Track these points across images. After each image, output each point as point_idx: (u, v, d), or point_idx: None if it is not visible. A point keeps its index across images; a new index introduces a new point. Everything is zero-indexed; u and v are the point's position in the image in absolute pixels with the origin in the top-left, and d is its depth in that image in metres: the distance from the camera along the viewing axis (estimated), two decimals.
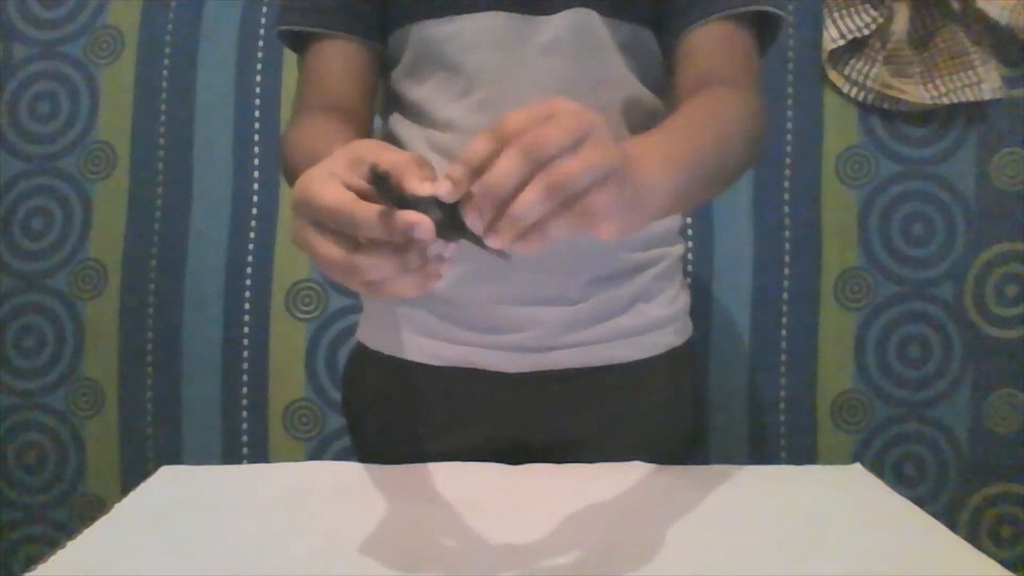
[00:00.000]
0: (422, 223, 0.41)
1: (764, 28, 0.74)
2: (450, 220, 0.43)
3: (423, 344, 0.79)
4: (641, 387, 0.79)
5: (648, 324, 0.79)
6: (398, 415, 0.81)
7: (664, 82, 0.78)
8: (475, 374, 0.78)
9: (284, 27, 0.77)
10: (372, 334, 0.84)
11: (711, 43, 0.71)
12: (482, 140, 0.42)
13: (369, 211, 0.42)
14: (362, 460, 0.79)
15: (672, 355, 0.81)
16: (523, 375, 0.77)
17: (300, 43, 0.77)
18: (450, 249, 0.44)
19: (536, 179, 0.41)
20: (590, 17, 0.71)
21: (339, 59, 0.75)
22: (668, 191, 0.52)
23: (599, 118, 0.43)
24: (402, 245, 0.43)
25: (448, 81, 0.73)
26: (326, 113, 0.72)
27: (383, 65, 0.80)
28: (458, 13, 0.72)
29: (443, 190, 0.42)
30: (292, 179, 0.68)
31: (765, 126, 0.71)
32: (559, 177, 0.41)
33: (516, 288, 0.75)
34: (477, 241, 0.44)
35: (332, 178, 0.44)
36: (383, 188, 0.42)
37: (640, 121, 0.75)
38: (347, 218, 0.42)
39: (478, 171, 0.42)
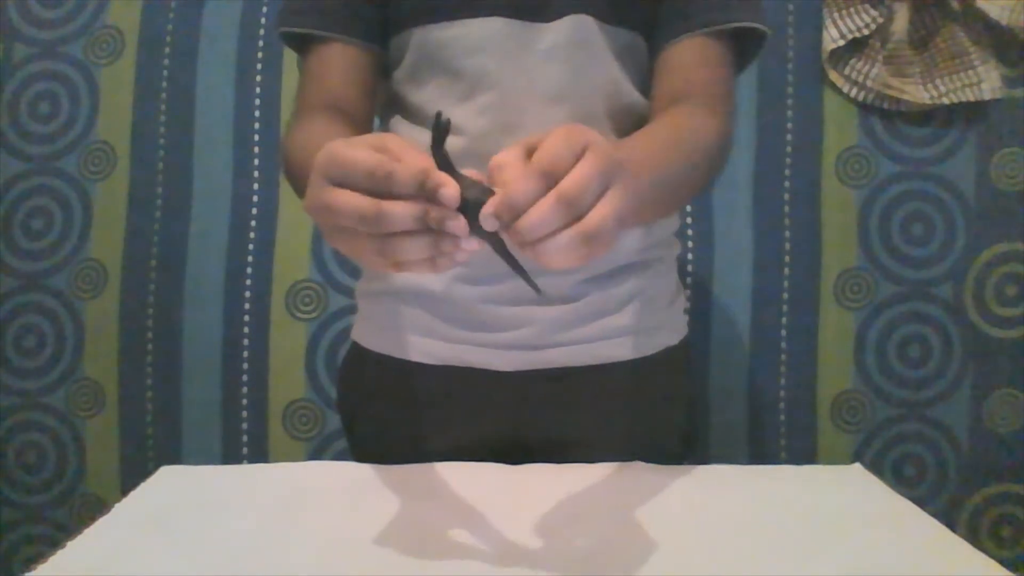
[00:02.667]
0: (448, 186, 0.43)
1: (746, 42, 0.75)
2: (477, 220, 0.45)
3: (418, 343, 0.79)
4: (636, 386, 0.79)
5: (644, 323, 0.79)
6: (394, 414, 0.81)
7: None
8: (470, 372, 0.78)
9: (285, 29, 0.77)
10: (367, 333, 0.84)
11: (688, 58, 0.73)
12: (521, 178, 0.44)
13: (404, 167, 0.43)
14: (358, 460, 0.79)
15: (667, 354, 0.81)
16: (518, 373, 0.78)
17: (302, 44, 0.78)
18: (473, 243, 0.45)
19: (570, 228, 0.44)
20: (588, 24, 0.72)
21: (340, 61, 0.75)
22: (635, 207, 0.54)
23: (615, 156, 0.46)
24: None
25: (449, 85, 0.74)
26: (327, 114, 0.72)
27: (383, 67, 0.80)
28: (459, 18, 0.72)
29: (488, 222, 0.44)
30: (295, 180, 0.68)
31: (728, 148, 0.73)
32: (588, 228, 0.44)
33: (511, 287, 0.75)
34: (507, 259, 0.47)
35: (361, 143, 0.45)
36: (439, 139, 0.45)
37: (634, 126, 0.75)
38: (382, 172, 0.43)
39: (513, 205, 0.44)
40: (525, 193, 0.43)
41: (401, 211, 0.43)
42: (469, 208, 0.44)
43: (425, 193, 0.43)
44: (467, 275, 0.76)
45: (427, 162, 0.45)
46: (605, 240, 0.45)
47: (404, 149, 0.46)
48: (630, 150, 0.59)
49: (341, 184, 0.45)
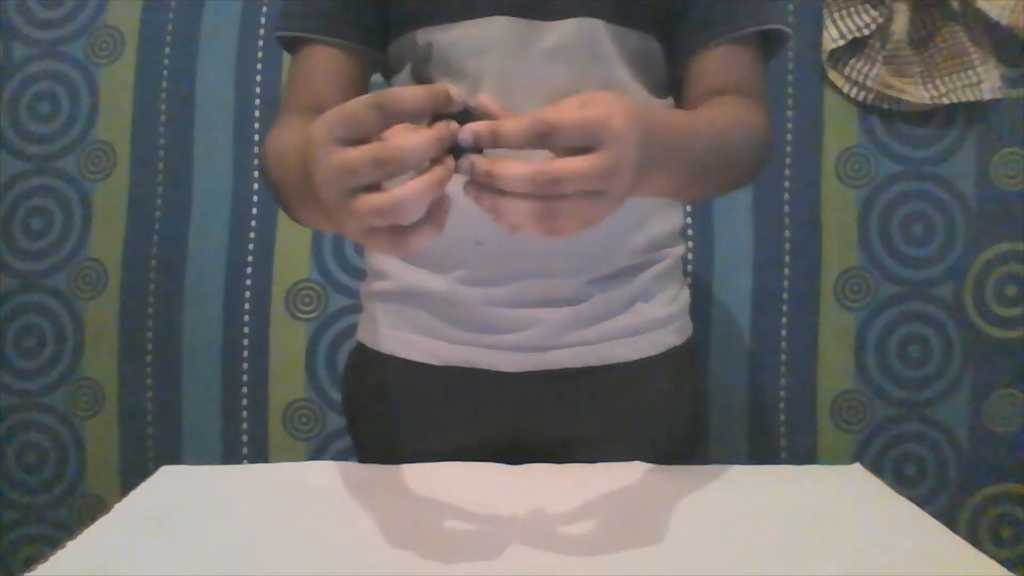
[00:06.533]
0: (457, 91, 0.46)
1: (768, 40, 0.76)
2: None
3: (422, 343, 0.79)
4: (641, 387, 0.79)
5: (648, 324, 0.79)
6: (397, 414, 0.81)
7: (670, 87, 0.78)
8: (474, 373, 0.78)
9: (280, 33, 0.77)
10: (371, 333, 0.84)
11: (717, 64, 0.73)
12: (523, 122, 0.45)
13: (405, 88, 0.45)
14: (362, 460, 0.79)
15: (672, 355, 0.81)
16: (522, 374, 0.77)
17: (293, 47, 0.78)
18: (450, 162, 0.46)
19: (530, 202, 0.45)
20: (595, 25, 0.71)
21: (328, 64, 0.75)
22: (664, 182, 0.55)
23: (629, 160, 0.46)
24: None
25: (452, 86, 0.73)
26: (309, 117, 0.72)
27: (377, 70, 0.80)
28: (462, 19, 0.72)
29: (466, 136, 0.46)
30: (272, 188, 0.68)
31: (771, 138, 0.73)
32: (553, 225, 0.46)
33: (515, 289, 0.75)
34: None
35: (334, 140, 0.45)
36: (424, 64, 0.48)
37: None
38: (386, 96, 0.44)
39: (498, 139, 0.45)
40: (514, 136, 0.44)
41: (414, 137, 0.43)
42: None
43: (437, 100, 0.45)
44: (469, 277, 0.76)
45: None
46: (566, 230, 0.46)
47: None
48: (675, 117, 0.59)
49: (349, 139, 0.45)
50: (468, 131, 0.45)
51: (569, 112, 0.45)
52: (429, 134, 0.44)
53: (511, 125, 0.44)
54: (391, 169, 0.44)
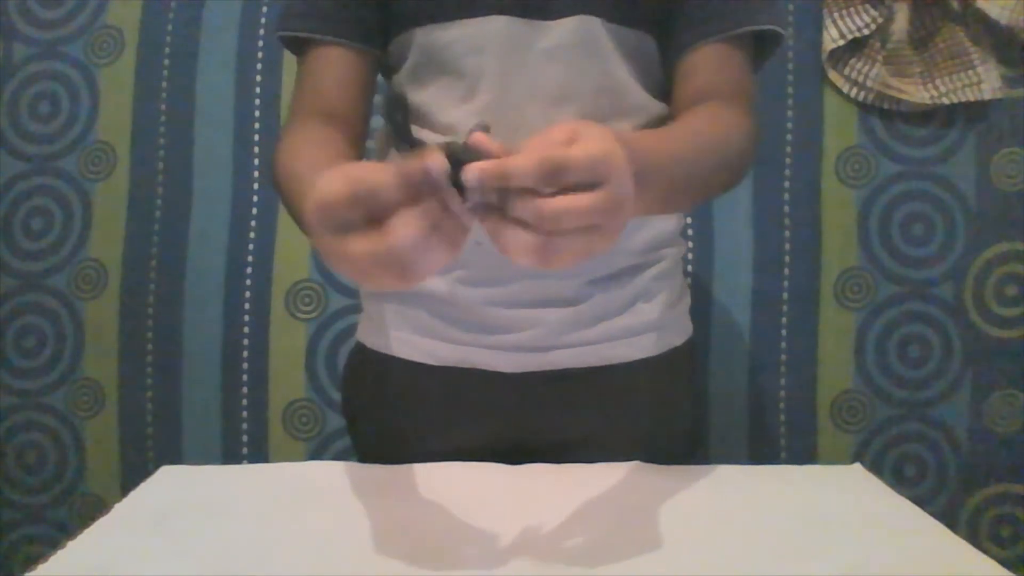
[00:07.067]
0: (429, 156, 0.43)
1: (762, 42, 0.75)
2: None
3: (422, 344, 0.79)
4: (641, 387, 0.79)
5: (648, 324, 0.79)
6: (397, 415, 0.81)
7: (668, 89, 0.78)
8: (474, 374, 0.78)
9: (283, 32, 0.77)
10: (372, 334, 0.84)
11: (708, 63, 0.73)
12: (530, 165, 0.43)
13: (382, 174, 0.44)
14: (362, 460, 0.79)
15: (672, 355, 0.81)
16: (522, 375, 0.77)
17: (299, 48, 0.78)
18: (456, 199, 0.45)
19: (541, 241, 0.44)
20: (593, 24, 0.71)
21: (336, 65, 0.75)
22: (643, 206, 0.54)
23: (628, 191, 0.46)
24: (422, 197, 0.44)
25: (451, 85, 0.73)
26: (319, 121, 0.72)
27: (382, 70, 0.80)
28: (462, 17, 0.72)
29: (472, 177, 0.44)
30: (282, 194, 0.68)
31: (755, 145, 0.73)
32: (551, 260, 0.45)
33: (515, 290, 0.75)
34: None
35: (331, 179, 0.45)
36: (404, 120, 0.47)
37: (644, 127, 0.75)
38: (362, 190, 0.43)
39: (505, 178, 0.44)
40: (523, 176, 0.43)
41: (405, 227, 0.43)
42: (455, 164, 0.44)
43: (412, 182, 0.43)
44: (469, 277, 0.76)
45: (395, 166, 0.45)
46: (562, 263, 0.45)
47: (369, 168, 0.46)
48: (656, 144, 0.59)
49: (338, 228, 0.44)
50: (475, 172, 0.44)
51: (575, 150, 0.44)
52: (419, 223, 0.43)
53: (519, 164, 0.43)
54: (391, 263, 0.44)
